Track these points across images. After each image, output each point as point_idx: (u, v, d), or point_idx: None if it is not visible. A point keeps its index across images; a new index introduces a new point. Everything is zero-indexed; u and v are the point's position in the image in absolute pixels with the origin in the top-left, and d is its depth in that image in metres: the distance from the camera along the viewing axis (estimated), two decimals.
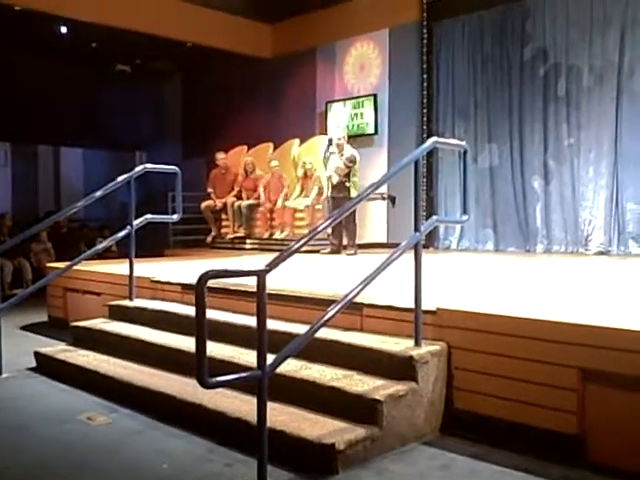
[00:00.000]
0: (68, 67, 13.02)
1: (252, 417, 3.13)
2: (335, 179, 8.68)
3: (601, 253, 8.55)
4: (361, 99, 11.14)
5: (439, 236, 10.16)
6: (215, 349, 4.16)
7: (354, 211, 8.34)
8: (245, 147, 11.16)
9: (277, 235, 9.74)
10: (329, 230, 8.66)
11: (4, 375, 5.10)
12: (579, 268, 7.05)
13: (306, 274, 6.23)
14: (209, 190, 10.70)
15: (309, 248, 8.57)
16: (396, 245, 3.86)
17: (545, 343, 3.40)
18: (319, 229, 3.81)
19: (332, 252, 8.82)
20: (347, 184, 8.59)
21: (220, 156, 10.70)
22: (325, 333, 3.87)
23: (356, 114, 11.17)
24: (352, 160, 8.63)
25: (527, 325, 3.51)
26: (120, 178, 5.80)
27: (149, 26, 10.94)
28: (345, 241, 8.87)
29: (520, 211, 9.37)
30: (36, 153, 14.81)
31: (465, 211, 4.48)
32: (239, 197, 10.41)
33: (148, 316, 5.49)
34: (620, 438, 3.18)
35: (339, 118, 11.35)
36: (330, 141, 9.48)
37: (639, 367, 3.09)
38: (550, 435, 3.35)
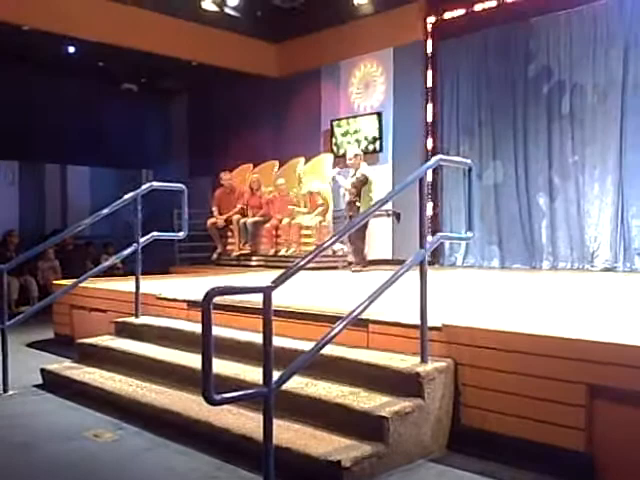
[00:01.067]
0: (75, 86, 13.12)
1: (258, 434, 3.13)
2: (347, 197, 8.74)
3: (607, 270, 8.53)
4: (366, 117, 11.20)
5: (444, 253, 10.16)
6: (221, 366, 4.15)
7: (363, 228, 8.36)
8: (251, 165, 11.20)
9: (283, 252, 9.74)
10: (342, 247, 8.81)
11: (10, 392, 5.10)
12: (585, 285, 7.03)
13: (312, 291, 6.23)
14: (213, 209, 10.70)
15: (317, 265, 8.63)
16: (401, 262, 3.87)
17: (552, 359, 3.39)
18: (324, 246, 3.83)
19: (349, 265, 8.89)
20: (357, 203, 8.62)
21: (225, 176, 10.72)
22: (331, 350, 3.87)
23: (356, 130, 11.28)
24: (362, 180, 8.64)
25: (534, 341, 3.50)
26: (127, 196, 5.84)
27: (155, 45, 11.03)
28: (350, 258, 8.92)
29: (525, 228, 9.37)
30: (43, 171, 14.89)
31: (470, 228, 4.49)
32: (244, 214, 10.43)
33: (154, 333, 5.49)
34: (629, 455, 3.16)
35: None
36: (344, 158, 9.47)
37: None
38: (558, 452, 3.32)
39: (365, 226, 8.32)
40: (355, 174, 8.72)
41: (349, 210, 8.67)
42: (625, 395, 3.15)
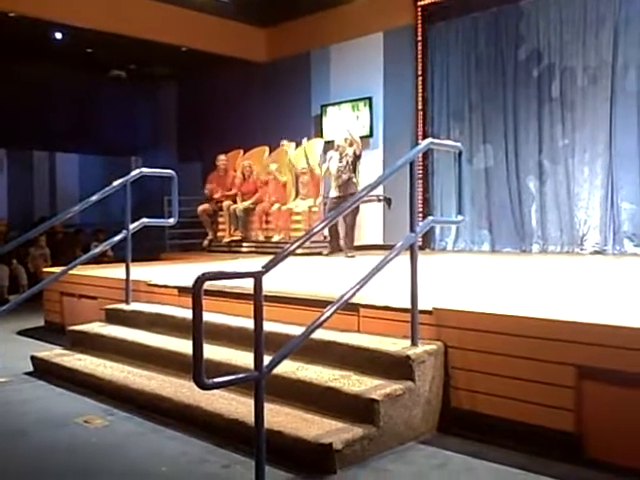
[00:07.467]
0: (63, 73, 13.03)
1: (250, 418, 3.14)
2: (344, 177, 8.60)
3: (597, 252, 8.58)
4: (356, 102, 11.17)
5: (435, 237, 10.18)
6: (212, 351, 4.16)
7: (357, 212, 8.36)
8: (241, 151, 11.17)
9: (274, 238, 9.73)
10: (326, 232, 8.69)
11: (1, 379, 5.08)
12: (575, 267, 7.07)
13: (303, 276, 6.24)
14: (208, 186, 10.64)
15: (307, 250, 8.61)
16: (392, 247, 3.87)
17: (541, 341, 3.41)
18: (315, 230, 3.82)
19: (332, 252, 8.84)
20: (354, 179, 8.58)
21: (221, 157, 10.69)
22: (322, 334, 3.88)
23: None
24: (358, 156, 8.60)
25: (523, 323, 3.52)
26: (116, 182, 5.81)
27: (144, 31, 10.95)
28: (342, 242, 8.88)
29: (515, 212, 9.40)
30: (31, 159, 14.82)
31: (460, 212, 4.50)
32: (234, 201, 10.40)
33: (145, 319, 5.48)
34: (617, 435, 3.19)
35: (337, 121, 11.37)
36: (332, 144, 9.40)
37: (635, 364, 3.11)
38: (547, 432, 3.36)
39: (358, 209, 8.34)
40: (343, 155, 8.67)
41: (346, 190, 8.52)
42: (613, 376, 3.18)
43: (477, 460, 3.30)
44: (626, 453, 3.14)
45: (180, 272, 6.60)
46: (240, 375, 3.26)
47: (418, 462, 3.33)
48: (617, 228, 8.51)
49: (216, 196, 10.49)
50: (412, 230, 3.90)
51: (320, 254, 8.89)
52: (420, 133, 10.30)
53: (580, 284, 5.53)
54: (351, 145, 8.71)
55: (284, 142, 10.55)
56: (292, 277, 5.55)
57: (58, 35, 11.33)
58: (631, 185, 8.38)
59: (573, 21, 8.85)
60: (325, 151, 9.91)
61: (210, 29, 11.74)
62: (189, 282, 3.00)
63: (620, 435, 3.18)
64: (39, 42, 11.42)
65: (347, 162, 8.61)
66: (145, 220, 6.07)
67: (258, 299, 3.04)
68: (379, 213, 10.42)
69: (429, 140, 4.39)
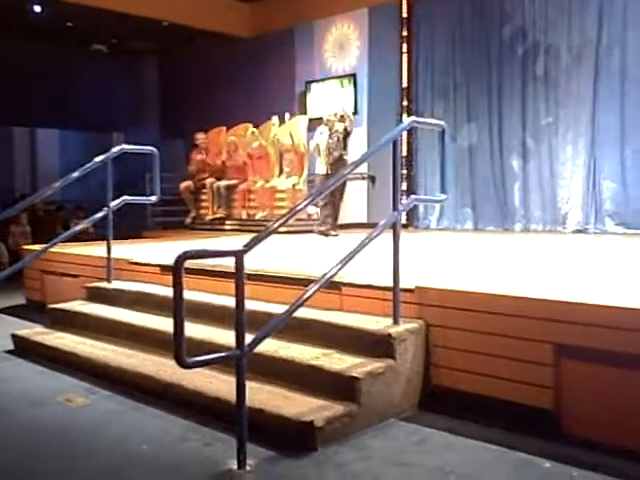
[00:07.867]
0: (43, 47, 12.80)
1: (231, 396, 3.14)
2: (335, 154, 8.26)
3: (578, 231, 8.64)
4: (340, 79, 11.10)
5: (419, 215, 10.21)
6: (194, 330, 4.14)
7: (344, 190, 8.24)
8: (224, 128, 11.08)
9: (257, 216, 9.70)
10: (310, 210, 8.59)
11: None
12: (556, 246, 7.12)
13: (286, 254, 6.23)
14: (190, 168, 10.57)
15: (293, 229, 8.54)
16: (376, 225, 3.86)
17: (520, 319, 3.44)
18: (298, 208, 3.80)
19: (331, 229, 8.60)
20: (345, 157, 8.39)
21: (200, 136, 10.62)
22: (304, 313, 3.87)
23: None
24: (348, 132, 8.43)
25: (503, 302, 3.54)
26: (97, 159, 5.74)
27: (125, 5, 10.77)
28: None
29: (499, 190, 9.43)
30: (11, 135, 14.60)
31: (443, 190, 4.50)
32: (219, 178, 10.34)
33: (126, 297, 5.45)
34: (594, 412, 3.23)
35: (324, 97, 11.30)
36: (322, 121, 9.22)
37: (612, 342, 3.14)
38: (526, 410, 3.39)
39: (345, 187, 8.23)
40: (333, 132, 8.51)
41: (337, 168, 8.01)
42: (591, 353, 3.21)
43: (457, 437, 3.33)
44: (603, 430, 3.18)
45: (162, 250, 6.56)
46: (222, 354, 3.26)
47: (398, 438, 3.36)
48: (599, 207, 8.58)
49: (198, 157, 10.38)
50: (395, 208, 3.90)
51: (306, 232, 8.82)
52: (404, 110, 10.26)
53: (561, 263, 5.57)
54: (341, 120, 8.54)
55: (274, 117, 10.42)
56: (275, 255, 5.54)
57: (37, 8, 11.11)
58: (613, 164, 8.44)
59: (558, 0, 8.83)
60: (310, 129, 9.84)
61: (193, 3, 11.58)
62: (171, 260, 2.98)
63: (597, 412, 3.22)
64: (18, 15, 11.20)
65: (337, 138, 8.44)
66: (126, 197, 6.02)
67: (239, 278, 3.03)
68: (363, 191, 10.41)
69: (412, 118, 4.39)
